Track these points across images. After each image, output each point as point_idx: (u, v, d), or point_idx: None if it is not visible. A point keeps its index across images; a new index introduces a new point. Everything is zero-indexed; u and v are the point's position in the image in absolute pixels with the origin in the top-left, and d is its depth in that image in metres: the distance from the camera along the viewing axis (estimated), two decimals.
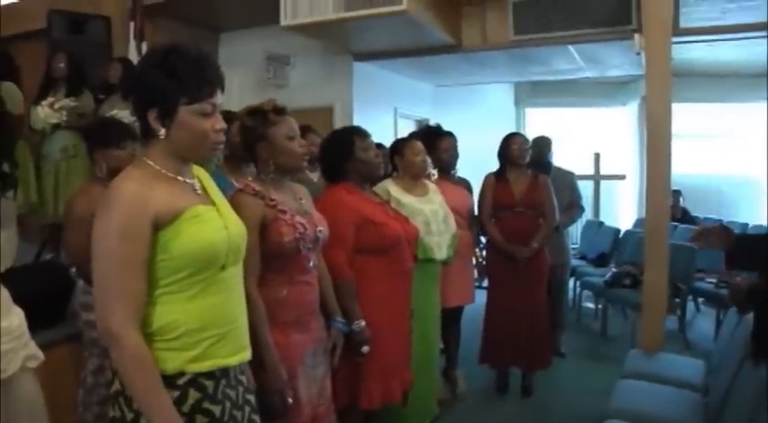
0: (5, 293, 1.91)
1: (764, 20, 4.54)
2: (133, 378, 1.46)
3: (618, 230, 7.19)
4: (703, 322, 6.00)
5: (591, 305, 6.52)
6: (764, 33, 4.74)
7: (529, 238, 4.07)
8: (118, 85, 4.89)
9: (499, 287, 4.22)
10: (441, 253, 3.40)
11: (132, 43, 5.76)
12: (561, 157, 5.45)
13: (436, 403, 3.57)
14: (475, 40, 5.88)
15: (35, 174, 4.72)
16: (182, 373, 1.53)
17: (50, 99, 4.79)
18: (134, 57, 5.50)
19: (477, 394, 4.31)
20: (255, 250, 2.06)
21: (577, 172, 5.41)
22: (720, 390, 2.83)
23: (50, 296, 3.21)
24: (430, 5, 5.20)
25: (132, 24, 5.80)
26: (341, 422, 2.59)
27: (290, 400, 2.12)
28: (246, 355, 1.70)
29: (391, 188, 3.39)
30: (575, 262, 6.36)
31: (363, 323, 2.67)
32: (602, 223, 7.70)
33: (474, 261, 4.35)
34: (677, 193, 7.28)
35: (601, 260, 6.79)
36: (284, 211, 2.20)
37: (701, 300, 6.18)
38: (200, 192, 1.65)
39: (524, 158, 4.20)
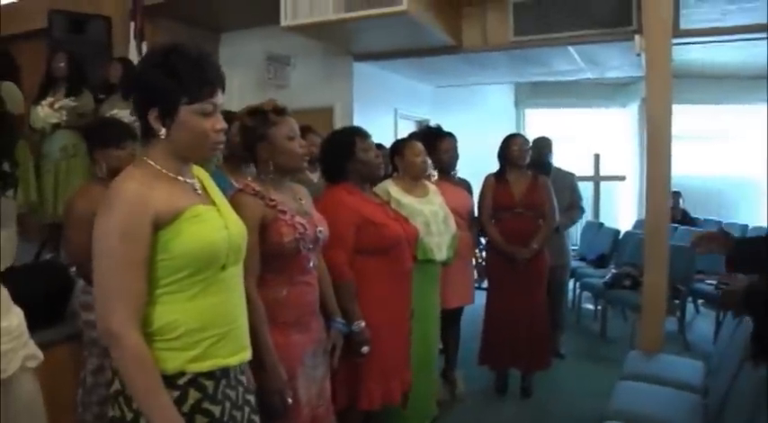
0: (5, 293, 1.91)
1: (764, 22, 4.55)
2: (133, 378, 1.46)
3: (618, 232, 7.19)
4: (703, 324, 6.00)
5: (590, 306, 6.52)
6: (764, 35, 4.74)
7: (529, 240, 4.07)
8: (118, 85, 4.90)
9: (499, 288, 4.22)
10: (440, 254, 3.40)
11: (132, 43, 5.76)
12: (561, 158, 5.45)
13: (435, 404, 3.57)
14: (475, 41, 5.88)
15: (35, 173, 4.72)
16: (182, 373, 1.53)
17: (50, 99, 4.79)
18: (134, 57, 5.50)
19: (477, 395, 4.31)
20: (255, 250, 2.06)
21: (577, 173, 5.40)
22: (720, 391, 2.83)
23: (50, 296, 3.21)
24: (430, 6, 5.20)
25: (132, 24, 5.81)
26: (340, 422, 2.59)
27: (290, 401, 2.12)
28: (247, 355, 1.70)
29: (391, 189, 3.39)
30: (574, 263, 6.36)
31: (363, 324, 2.66)
32: (601, 224, 7.70)
33: (474, 262, 4.34)
34: (677, 195, 7.28)
35: (600, 261, 6.79)
36: (284, 212, 2.20)
37: (700, 301, 6.18)
38: (200, 191, 1.65)
39: (524, 159, 4.20)
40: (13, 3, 6.37)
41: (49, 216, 4.73)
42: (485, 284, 4.41)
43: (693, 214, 7.80)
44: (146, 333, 1.49)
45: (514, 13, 5.58)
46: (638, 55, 4.78)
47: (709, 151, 8.83)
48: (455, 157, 4.24)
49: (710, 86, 8.10)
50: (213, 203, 1.66)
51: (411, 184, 3.48)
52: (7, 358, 1.83)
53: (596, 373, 4.68)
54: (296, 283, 2.24)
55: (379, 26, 5.23)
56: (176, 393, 1.51)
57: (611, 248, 6.91)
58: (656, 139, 4.01)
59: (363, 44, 6.04)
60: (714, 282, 5.48)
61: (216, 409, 1.58)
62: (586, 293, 6.49)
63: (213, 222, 1.60)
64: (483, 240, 4.47)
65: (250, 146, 2.30)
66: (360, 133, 2.95)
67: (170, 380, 1.51)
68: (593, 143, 9.24)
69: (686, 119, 7.01)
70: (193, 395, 1.54)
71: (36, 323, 2.05)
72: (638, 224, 7.46)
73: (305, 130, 2.93)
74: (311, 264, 2.29)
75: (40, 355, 1.97)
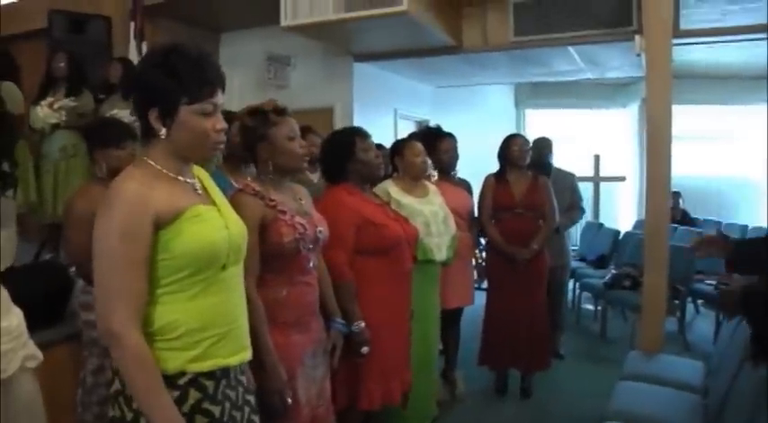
0: (5, 293, 1.91)
1: (765, 22, 4.54)
2: (134, 378, 1.46)
3: (617, 232, 7.19)
4: (703, 324, 6.00)
5: (590, 307, 6.52)
6: (764, 35, 4.74)
7: (529, 240, 4.07)
8: (118, 85, 4.90)
9: (499, 289, 4.22)
10: (440, 254, 3.39)
11: (132, 43, 5.76)
12: (561, 159, 5.45)
13: (435, 404, 3.57)
14: (475, 41, 5.88)
15: (34, 173, 4.72)
16: (182, 373, 1.53)
17: (50, 99, 4.79)
18: (134, 57, 5.50)
19: (477, 396, 4.31)
20: (255, 250, 2.06)
21: (577, 173, 5.40)
22: (720, 391, 2.83)
23: (49, 296, 3.21)
24: (430, 6, 5.20)
25: (132, 24, 5.81)
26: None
27: (290, 401, 2.12)
28: (247, 354, 1.70)
29: (391, 189, 3.38)
30: (574, 263, 6.36)
31: (363, 324, 2.66)
32: (601, 225, 7.70)
33: (474, 262, 4.34)
34: (677, 195, 7.29)
35: (600, 262, 6.79)
36: (284, 212, 2.20)
37: (700, 301, 6.17)
38: (200, 191, 1.65)
39: (524, 160, 4.20)
40: (13, 3, 6.37)
41: (49, 216, 4.72)
42: (485, 285, 4.41)
43: (693, 214, 7.81)
44: (146, 333, 1.49)
45: (515, 13, 5.57)
46: (639, 55, 4.78)
47: (709, 151, 8.84)
48: (455, 157, 4.24)
49: (710, 87, 8.10)
50: (213, 203, 1.66)
51: (411, 185, 3.48)
52: (7, 358, 1.83)
53: (596, 373, 4.68)
54: (296, 283, 2.24)
55: (379, 26, 5.23)
56: (176, 393, 1.51)
57: (611, 249, 6.91)
58: (657, 140, 4.01)
59: (363, 44, 6.04)
60: (714, 282, 5.48)
61: (216, 410, 1.58)
62: (586, 294, 6.49)
63: (214, 222, 1.60)
64: (483, 241, 4.47)
65: (250, 146, 2.30)
66: (360, 133, 2.95)
67: (170, 380, 1.50)
68: (593, 144, 9.24)
69: (686, 119, 7.02)
70: (194, 395, 1.54)
71: (35, 323, 2.06)
72: (638, 224, 7.47)
73: (305, 131, 2.93)
74: (311, 264, 2.29)
75: (40, 355, 1.97)
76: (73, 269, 3.18)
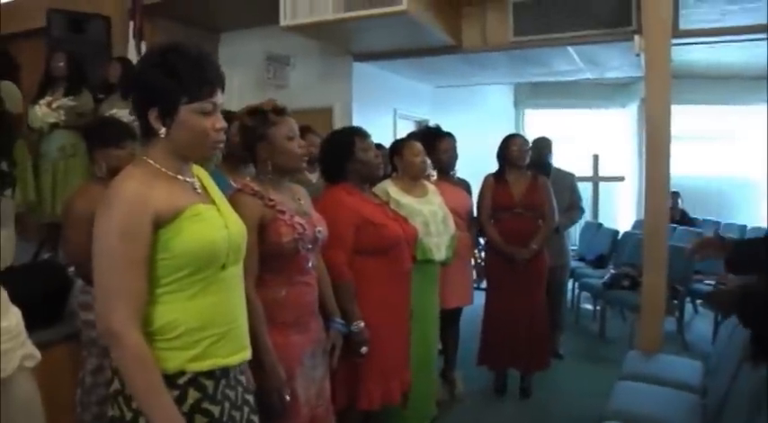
0: (3, 293, 1.91)
1: (764, 22, 4.54)
2: (134, 377, 1.46)
3: (616, 232, 7.19)
4: (701, 324, 6.00)
5: (589, 307, 6.53)
6: (764, 35, 4.74)
7: (528, 240, 4.07)
8: (117, 85, 4.90)
9: (498, 288, 4.21)
10: (439, 254, 3.39)
11: (132, 43, 5.75)
12: (560, 159, 5.45)
13: (435, 404, 3.57)
14: (475, 41, 5.88)
15: (33, 173, 4.72)
16: (182, 373, 1.53)
17: (48, 98, 4.79)
18: (133, 56, 5.49)
19: (476, 396, 4.31)
20: (254, 250, 2.06)
21: (576, 173, 5.41)
22: (719, 391, 2.83)
23: (48, 295, 3.20)
24: (430, 6, 5.20)
25: (132, 24, 5.80)
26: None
27: (288, 398, 2.12)
28: (247, 354, 1.70)
29: (390, 189, 3.38)
30: (573, 263, 6.36)
31: (362, 324, 2.66)
32: (600, 225, 7.70)
33: (473, 262, 4.34)
34: (676, 195, 7.29)
35: (599, 262, 6.79)
36: (283, 212, 2.20)
37: (699, 301, 6.17)
38: (200, 191, 1.65)
39: (524, 160, 4.20)
40: (12, 2, 6.36)
41: (48, 216, 4.72)
42: (484, 285, 4.41)
43: (692, 214, 7.80)
44: (146, 332, 1.49)
45: (514, 13, 5.57)
46: (638, 55, 4.78)
47: (709, 152, 8.85)
48: (454, 157, 4.24)
49: (710, 87, 8.11)
50: (213, 203, 1.67)
51: (410, 185, 3.48)
52: (5, 358, 1.83)
53: (595, 373, 4.69)
54: (295, 283, 2.23)
55: (378, 26, 5.23)
56: (176, 393, 1.51)
57: (610, 249, 6.91)
58: (656, 140, 4.01)
59: (363, 44, 6.04)
60: (713, 282, 5.48)
61: (215, 409, 1.58)
62: (585, 294, 6.50)
63: (213, 221, 1.60)
64: (482, 241, 4.47)
65: (249, 146, 2.30)
66: (359, 133, 2.94)
67: (170, 379, 1.50)
68: (593, 143, 9.24)
69: (686, 119, 7.03)
70: (193, 395, 1.54)
71: (34, 323, 2.05)
72: (637, 224, 7.47)
73: (304, 131, 2.92)
74: (310, 264, 2.29)
75: (38, 355, 1.96)
76: (72, 269, 3.18)
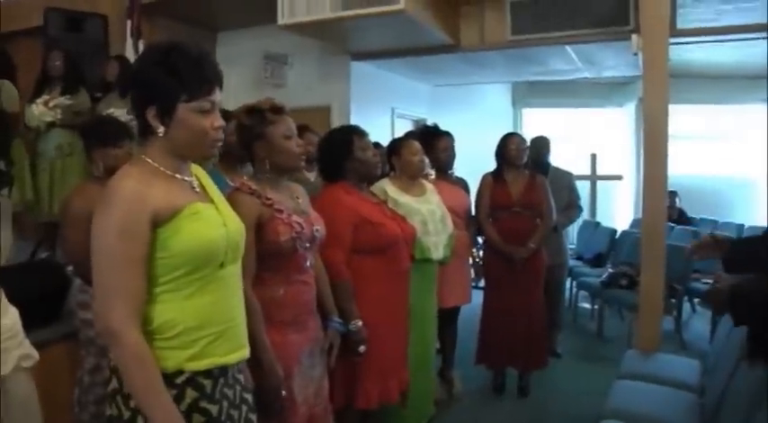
0: (0, 292, 1.91)
1: (761, 21, 4.55)
2: (133, 376, 1.46)
3: (614, 231, 7.19)
4: (699, 323, 6.01)
5: (587, 305, 6.53)
6: (761, 35, 4.75)
7: (526, 239, 4.07)
8: (115, 83, 4.89)
9: (496, 287, 4.22)
10: (438, 253, 3.39)
11: (129, 41, 5.74)
12: (558, 158, 5.45)
13: (433, 404, 3.57)
14: (473, 40, 5.87)
15: (30, 172, 4.71)
16: (180, 372, 1.53)
17: (45, 97, 4.78)
18: (131, 55, 5.48)
19: (474, 395, 4.31)
20: (251, 249, 2.05)
21: (574, 172, 5.41)
22: (716, 390, 2.83)
23: (46, 295, 3.20)
24: (428, 5, 5.19)
25: (129, 23, 5.79)
26: (338, 422, 2.59)
27: (284, 393, 2.11)
28: (245, 353, 1.70)
29: (388, 188, 3.38)
30: (571, 262, 6.36)
31: (360, 323, 2.67)
32: (598, 224, 7.70)
33: (471, 261, 4.34)
34: (673, 194, 7.29)
35: (597, 260, 6.80)
36: (281, 211, 2.20)
37: (696, 300, 6.18)
38: (198, 190, 1.65)
39: (522, 159, 4.20)
40: (10, 0, 6.34)
41: (45, 215, 4.72)
42: (482, 284, 4.41)
43: (690, 214, 7.81)
44: (145, 331, 1.49)
45: (512, 12, 5.56)
46: (636, 54, 4.78)
47: (706, 151, 8.86)
48: (452, 156, 4.24)
49: (707, 86, 8.12)
50: (211, 201, 1.67)
51: (408, 184, 3.48)
52: (2, 358, 1.83)
53: (593, 372, 4.69)
54: (293, 282, 2.23)
55: (376, 25, 5.22)
56: (173, 392, 1.51)
57: (608, 248, 6.91)
58: (653, 139, 4.01)
59: (361, 43, 6.03)
60: (710, 281, 5.47)
61: (213, 408, 1.58)
62: (583, 293, 6.50)
63: (212, 220, 1.60)
64: (480, 239, 4.47)
65: (247, 144, 2.30)
66: (357, 132, 2.94)
67: (168, 379, 1.50)
68: (590, 142, 9.24)
69: (683, 118, 7.03)
70: (191, 394, 1.54)
71: (32, 322, 2.05)
72: (635, 223, 7.47)
73: (302, 129, 2.93)
74: (308, 263, 2.28)
75: (36, 354, 1.96)
76: (70, 268, 3.17)
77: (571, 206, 5.10)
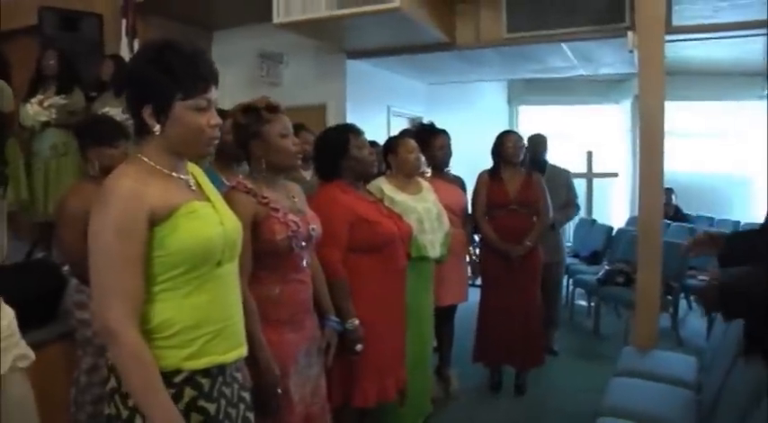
0: None
1: (756, 18, 4.55)
2: (131, 375, 1.46)
3: (611, 228, 7.20)
4: (696, 320, 6.01)
5: (583, 303, 6.54)
6: (757, 32, 4.75)
7: (523, 237, 4.08)
8: (110, 82, 4.88)
9: (493, 285, 4.22)
10: (434, 251, 3.39)
11: (124, 40, 5.73)
12: (554, 155, 5.45)
13: (430, 402, 3.57)
14: (468, 38, 5.88)
15: (25, 171, 4.70)
16: (178, 371, 1.53)
17: (40, 96, 4.77)
18: (126, 54, 5.48)
19: (471, 393, 4.31)
20: (247, 248, 2.04)
21: (570, 170, 5.41)
22: (713, 387, 2.83)
23: (42, 295, 3.19)
24: (423, 3, 5.19)
25: (124, 22, 5.78)
26: (336, 421, 2.59)
27: (279, 391, 2.11)
28: (243, 351, 1.70)
29: (384, 186, 3.38)
30: (567, 260, 6.36)
31: (357, 322, 2.66)
32: (594, 221, 7.71)
33: (467, 259, 4.34)
34: (670, 191, 7.29)
35: (593, 258, 6.81)
36: (277, 209, 2.19)
37: (693, 297, 6.18)
38: (194, 188, 1.65)
39: (518, 156, 4.20)
40: None
41: (41, 215, 4.71)
42: (479, 282, 4.41)
43: (686, 211, 7.81)
44: (144, 330, 1.49)
45: (508, 9, 5.57)
46: (631, 52, 4.79)
47: (702, 148, 8.86)
48: (448, 154, 4.23)
49: (704, 83, 8.12)
50: (208, 200, 1.66)
51: (404, 182, 3.48)
52: (1, 358, 1.82)
53: (590, 369, 4.70)
54: (289, 281, 2.23)
55: (372, 23, 5.22)
56: (172, 391, 1.51)
57: (605, 245, 6.91)
58: (649, 136, 4.01)
59: (356, 41, 6.03)
60: (707, 278, 5.47)
61: (211, 407, 1.58)
62: (579, 290, 6.50)
63: (209, 218, 1.60)
64: (477, 237, 4.47)
65: (243, 143, 2.29)
66: (353, 130, 2.94)
67: (166, 378, 1.50)
68: (586, 140, 9.25)
69: (679, 115, 7.03)
70: (189, 393, 1.54)
71: (28, 323, 2.04)
72: (631, 221, 7.47)
73: (298, 128, 2.92)
74: (305, 262, 2.28)
75: (32, 355, 1.96)
76: (66, 268, 3.17)
77: (568, 204, 5.10)
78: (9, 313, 1.92)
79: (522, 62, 6.79)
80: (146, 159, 1.57)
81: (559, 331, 5.37)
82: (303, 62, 6.47)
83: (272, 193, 2.23)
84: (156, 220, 1.50)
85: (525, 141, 4.43)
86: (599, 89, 9.59)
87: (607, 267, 5.87)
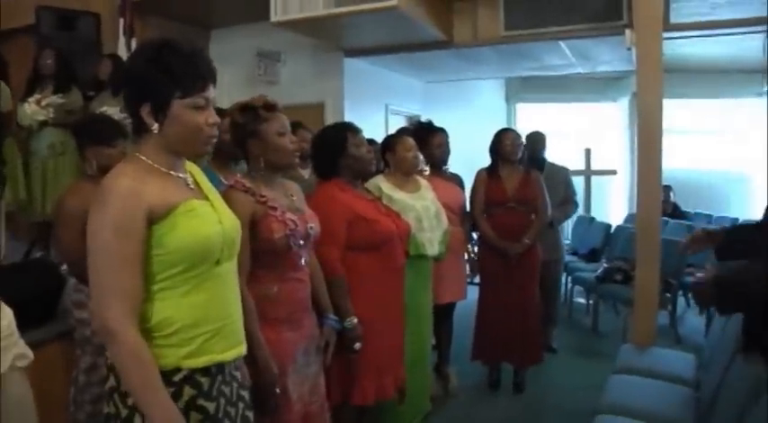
0: None
1: (754, 15, 4.56)
2: (130, 374, 1.46)
3: (609, 226, 7.20)
4: (694, 317, 6.01)
5: (582, 300, 6.55)
6: (755, 29, 4.75)
7: (521, 234, 4.08)
8: (108, 82, 4.87)
9: (491, 283, 4.22)
10: (432, 249, 3.39)
11: (122, 40, 5.72)
12: (552, 153, 5.46)
13: (429, 399, 3.57)
14: (466, 36, 5.88)
15: (23, 171, 4.70)
16: (177, 370, 1.53)
17: (37, 96, 4.76)
18: (123, 53, 5.47)
19: (470, 390, 4.31)
20: (245, 247, 2.04)
21: (568, 167, 5.41)
22: (712, 384, 2.83)
23: (41, 294, 3.19)
24: (421, 1, 5.19)
25: (122, 21, 5.77)
26: (335, 420, 2.59)
27: (278, 390, 2.11)
28: (242, 349, 1.70)
29: (383, 184, 3.38)
30: (566, 257, 6.36)
31: (356, 320, 2.66)
32: (593, 219, 7.71)
33: (466, 257, 4.35)
34: (668, 189, 7.30)
35: (592, 255, 6.81)
36: (274, 208, 2.19)
37: (691, 294, 6.18)
38: (192, 187, 1.65)
39: (516, 154, 4.20)
40: None
41: (38, 214, 4.70)
42: (477, 279, 4.41)
43: (684, 208, 7.83)
44: (143, 329, 1.49)
45: (505, 7, 5.56)
46: (629, 49, 4.78)
47: (700, 145, 8.87)
48: (447, 152, 4.23)
49: (701, 80, 8.13)
50: (206, 198, 1.66)
51: (402, 180, 3.48)
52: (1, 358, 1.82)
53: (588, 367, 4.70)
54: (287, 279, 2.23)
55: (369, 21, 5.22)
56: (171, 390, 1.51)
57: (603, 243, 6.92)
58: (647, 134, 4.01)
59: (354, 40, 6.02)
60: (702, 274, 5.47)
61: (210, 406, 1.58)
62: (578, 288, 6.51)
63: (207, 217, 1.60)
64: (475, 235, 4.47)
65: (241, 142, 2.29)
66: (351, 129, 2.94)
67: (165, 377, 1.50)
68: (584, 137, 9.25)
69: (677, 113, 7.03)
70: (188, 392, 1.54)
71: (27, 322, 2.04)
72: (630, 218, 7.48)
73: (295, 126, 2.91)
74: (303, 260, 2.28)
75: (30, 354, 1.96)
76: (64, 267, 3.16)
77: (567, 202, 5.10)
78: (8, 313, 1.92)
79: (519, 60, 6.78)
80: (144, 158, 1.57)
81: (558, 329, 5.38)
82: (301, 61, 6.47)
83: (270, 192, 2.23)
84: (154, 219, 1.50)
85: (524, 139, 4.44)
86: (597, 87, 9.60)
87: (605, 265, 5.87)
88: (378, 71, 6.83)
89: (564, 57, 6.44)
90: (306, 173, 3.63)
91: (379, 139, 3.94)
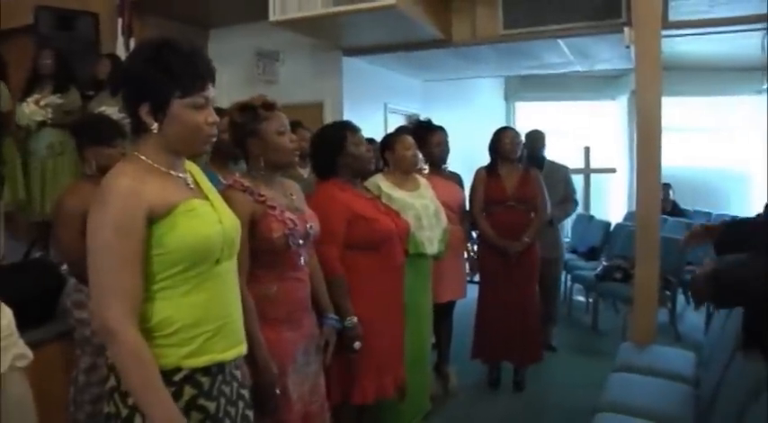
0: None
1: (753, 13, 4.55)
2: (131, 374, 1.46)
3: (608, 224, 7.21)
4: (694, 315, 5.99)
5: (582, 299, 6.55)
6: (752, 26, 4.75)
7: (520, 233, 4.08)
8: (107, 82, 4.87)
9: (491, 282, 4.22)
10: (432, 248, 3.39)
11: (120, 40, 5.72)
12: (551, 151, 5.46)
13: (428, 399, 3.57)
14: (464, 35, 5.87)
15: (22, 171, 4.69)
16: (178, 369, 1.53)
17: (36, 96, 4.75)
18: (122, 53, 5.46)
19: (470, 389, 4.31)
20: (245, 246, 2.04)
21: (568, 166, 5.41)
22: (711, 382, 2.84)
23: (40, 294, 3.19)
24: (419, 0, 5.19)
25: (120, 21, 5.76)
26: (335, 419, 2.59)
27: (278, 391, 2.11)
28: (242, 349, 1.70)
29: (382, 183, 3.38)
30: (566, 255, 6.36)
31: (356, 319, 2.66)
32: (592, 217, 7.71)
33: (465, 256, 4.35)
34: (667, 187, 7.30)
35: (591, 254, 6.81)
36: (273, 207, 2.19)
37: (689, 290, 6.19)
38: (192, 186, 1.65)
39: (516, 153, 4.20)
40: None
41: (38, 214, 4.70)
42: (477, 278, 4.41)
43: (683, 206, 7.83)
44: (144, 329, 1.49)
45: (504, 6, 5.56)
46: (628, 47, 4.77)
47: (699, 143, 8.87)
48: (446, 150, 4.23)
49: (700, 78, 8.12)
50: (206, 198, 1.66)
51: (402, 179, 3.47)
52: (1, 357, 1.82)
53: (588, 365, 4.70)
54: (286, 279, 2.23)
55: (368, 20, 5.21)
56: (171, 389, 1.51)
57: (602, 241, 6.92)
58: (646, 132, 4.01)
59: (353, 39, 6.01)
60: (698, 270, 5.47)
61: (211, 406, 1.58)
62: (577, 286, 6.52)
63: (207, 216, 1.60)
64: (474, 234, 4.47)
65: (240, 141, 2.29)
66: (350, 128, 2.94)
67: (165, 376, 1.50)
68: (584, 136, 9.25)
69: (676, 111, 7.03)
70: (188, 392, 1.54)
71: (26, 322, 2.04)
72: (629, 216, 7.49)
73: (294, 125, 2.91)
74: (302, 260, 2.28)
75: (30, 354, 1.95)
76: (64, 267, 3.16)
77: (567, 200, 5.10)
78: (8, 313, 1.91)
79: (518, 59, 6.77)
80: (143, 158, 1.57)
81: (558, 327, 5.38)
82: (299, 60, 6.46)
83: (269, 191, 2.23)
84: (154, 218, 1.49)
85: (523, 138, 4.44)
86: (596, 85, 9.59)
87: (605, 263, 5.88)
88: (377, 70, 6.82)
89: (563, 55, 6.43)
90: (305, 172, 3.63)
91: (379, 137, 3.94)
